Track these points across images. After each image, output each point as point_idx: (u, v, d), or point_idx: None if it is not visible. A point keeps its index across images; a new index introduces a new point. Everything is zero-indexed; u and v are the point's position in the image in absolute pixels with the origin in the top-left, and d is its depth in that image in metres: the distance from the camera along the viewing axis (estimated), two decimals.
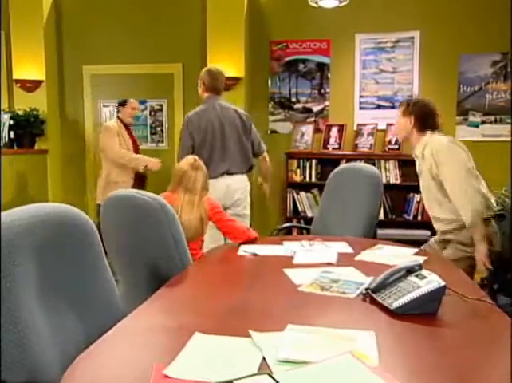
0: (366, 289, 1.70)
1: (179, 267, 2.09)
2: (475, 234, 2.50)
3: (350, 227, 3.05)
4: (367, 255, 2.31)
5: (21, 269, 1.41)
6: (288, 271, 1.99)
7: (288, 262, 2.17)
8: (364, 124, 4.68)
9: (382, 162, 4.52)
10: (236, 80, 4.63)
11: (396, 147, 4.56)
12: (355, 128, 4.72)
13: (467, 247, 2.60)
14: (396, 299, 1.54)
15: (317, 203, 4.64)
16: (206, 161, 3.09)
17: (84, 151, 5.20)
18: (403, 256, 2.31)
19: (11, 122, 4.64)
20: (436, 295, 1.51)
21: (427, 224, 4.51)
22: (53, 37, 5.11)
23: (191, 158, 2.62)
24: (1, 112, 4.68)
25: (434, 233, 4.49)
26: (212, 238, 2.81)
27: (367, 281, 1.83)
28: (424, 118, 2.67)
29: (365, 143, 4.63)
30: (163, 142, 5.11)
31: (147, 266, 2.12)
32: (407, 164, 4.48)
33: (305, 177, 4.65)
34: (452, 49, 4.54)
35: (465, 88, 4.54)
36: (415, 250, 2.44)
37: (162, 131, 5.11)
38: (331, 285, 1.81)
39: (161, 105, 5.07)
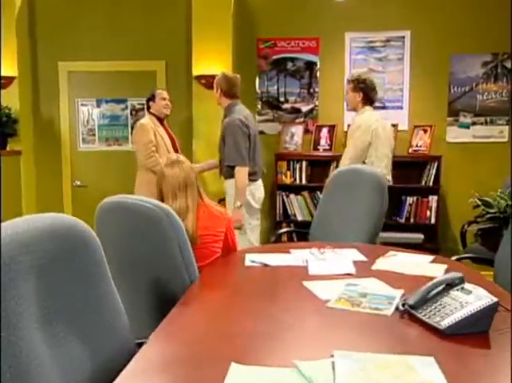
0: (403, 304, 1.55)
1: (186, 281, 1.91)
2: None
3: (354, 232, 2.92)
4: (383, 264, 2.18)
5: (21, 292, 1.21)
6: (308, 284, 1.83)
7: (303, 273, 2.02)
8: None
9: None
10: None
11: None
12: (345, 129, 4.60)
13: None
14: (444, 317, 1.39)
15: (308, 206, 4.50)
16: (255, 164, 3.51)
17: (61, 152, 4.90)
18: (421, 265, 2.19)
19: None
20: (489, 312, 1.37)
21: (419, 227, 4.46)
22: (26, 29, 4.80)
23: (167, 156, 2.39)
24: None
25: (427, 236, 4.44)
26: None
27: (397, 294, 1.70)
28: (369, 94, 3.53)
29: None
30: None
31: (151, 279, 1.92)
32: (399, 166, 4.39)
33: (295, 179, 4.51)
34: (443, 49, 4.48)
35: (456, 88, 4.49)
36: (431, 257, 2.32)
37: None
38: (360, 300, 1.66)
39: (143, 104, 4.82)
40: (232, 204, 3.47)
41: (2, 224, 1.30)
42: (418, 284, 1.85)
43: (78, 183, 4.91)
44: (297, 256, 2.29)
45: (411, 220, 4.43)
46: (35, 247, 1.29)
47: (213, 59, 4.45)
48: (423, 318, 1.44)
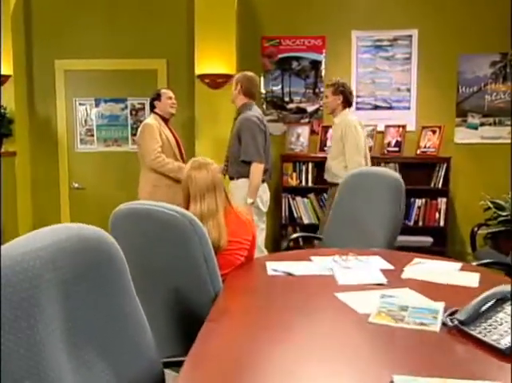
0: (451, 319, 1.44)
1: (210, 293, 1.78)
2: None
3: (371, 238, 2.81)
4: (412, 273, 2.07)
5: (47, 311, 1.09)
6: (341, 296, 1.72)
7: (331, 283, 1.90)
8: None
9: (382, 165, 4.31)
10: (227, 77, 4.31)
11: (396, 149, 4.37)
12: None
13: None
14: (503, 335, 1.29)
15: (314, 209, 4.39)
16: (268, 164, 3.48)
17: (58, 153, 4.73)
18: (452, 273, 2.09)
19: None
20: None
21: (428, 230, 4.37)
22: (21, 26, 4.63)
23: (192, 159, 2.27)
24: None
25: (436, 239, 4.36)
26: None
27: (439, 307, 1.59)
28: (348, 97, 3.67)
29: None
30: None
31: (172, 291, 1.80)
32: (407, 167, 4.31)
33: (301, 181, 4.40)
34: (451, 48, 4.40)
35: (464, 89, 4.41)
36: (459, 265, 2.22)
37: None
38: (401, 314, 1.55)
39: (143, 104, 4.69)
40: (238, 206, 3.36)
41: (25, 236, 1.17)
42: (458, 296, 1.76)
43: (76, 185, 4.75)
44: (319, 264, 2.17)
45: (420, 223, 4.34)
46: (61, 263, 1.16)
47: (216, 58, 4.32)
48: (478, 336, 1.33)
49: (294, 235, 3.13)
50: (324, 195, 4.25)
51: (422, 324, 1.47)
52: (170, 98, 3.71)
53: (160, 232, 1.78)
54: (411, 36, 4.43)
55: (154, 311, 1.85)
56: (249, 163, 3.36)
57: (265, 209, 3.53)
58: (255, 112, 3.49)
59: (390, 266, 2.16)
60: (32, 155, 4.75)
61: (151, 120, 3.67)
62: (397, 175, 2.95)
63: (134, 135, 4.72)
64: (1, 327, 0.97)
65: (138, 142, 3.69)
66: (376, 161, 4.36)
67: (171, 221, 1.74)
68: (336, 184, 3.67)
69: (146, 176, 3.64)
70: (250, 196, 3.32)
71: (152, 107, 3.74)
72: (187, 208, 2.13)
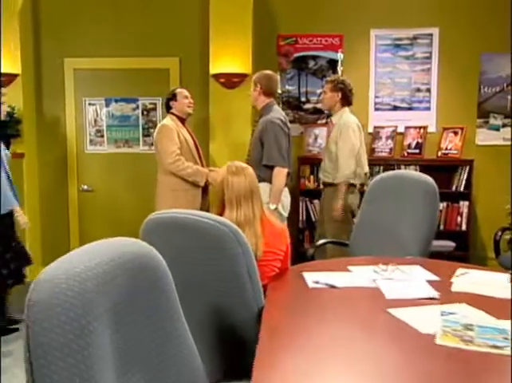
0: None
1: (253, 310, 1.65)
2: (339, 191, 3.49)
3: (403, 245, 2.68)
4: (462, 285, 1.94)
5: (99, 336, 0.96)
6: (395, 312, 1.59)
7: (379, 297, 1.77)
8: (382, 127, 4.34)
9: (402, 167, 4.19)
10: (243, 76, 4.18)
11: (417, 151, 4.24)
12: (370, 131, 4.38)
13: None
14: None
15: None
16: (290, 167, 3.39)
17: (66, 155, 4.59)
18: (504, 285, 1.96)
19: None
20: None
21: (450, 234, 4.25)
22: (29, 24, 4.48)
23: (228, 164, 2.14)
24: None
25: (458, 244, 4.24)
26: None
27: (506, 326, 1.46)
28: (347, 95, 3.56)
29: (384, 147, 4.29)
30: None
31: (211, 308, 1.66)
32: (428, 170, 4.17)
33: (318, 184, 4.26)
34: (473, 47, 4.28)
35: (486, 89, 4.29)
36: (507, 275, 2.09)
37: None
38: (468, 334, 1.42)
39: (155, 104, 4.55)
40: None
41: (76, 253, 1.04)
42: None
43: (85, 187, 4.61)
44: (361, 275, 2.05)
45: (441, 227, 4.21)
46: (110, 285, 1.03)
47: (232, 56, 4.19)
48: None
49: (320, 242, 3.00)
50: None
51: (495, 347, 1.34)
52: (186, 97, 3.58)
53: (198, 243, 1.65)
54: (431, 34, 4.31)
55: (190, 330, 1.72)
56: (271, 168, 3.23)
57: (286, 214, 3.40)
58: (278, 113, 3.38)
59: (435, 277, 2.03)
60: (40, 156, 4.60)
61: (167, 121, 3.53)
62: (430, 179, 2.82)
63: (146, 136, 4.60)
64: (54, 352, 0.88)
65: (155, 144, 3.55)
66: (395, 163, 4.24)
67: (211, 231, 1.61)
68: (330, 184, 3.60)
69: (164, 180, 3.50)
70: (273, 201, 3.20)
71: (168, 107, 3.60)
72: (221, 214, 2.01)
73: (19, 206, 3.43)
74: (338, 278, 1.98)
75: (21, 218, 3.28)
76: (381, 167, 4.21)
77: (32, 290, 0.92)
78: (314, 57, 4.43)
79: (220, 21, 4.16)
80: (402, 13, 4.32)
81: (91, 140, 4.62)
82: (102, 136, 4.61)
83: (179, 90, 3.62)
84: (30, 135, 4.53)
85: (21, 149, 4.44)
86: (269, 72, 3.58)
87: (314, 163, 4.26)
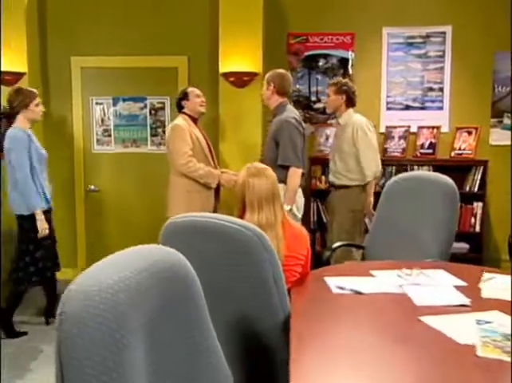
0: None
1: (278, 318, 1.58)
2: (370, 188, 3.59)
3: (422, 248, 2.62)
4: (492, 291, 1.88)
5: (133, 351, 0.90)
6: (429, 321, 1.52)
7: (408, 303, 1.71)
8: (394, 127, 4.27)
9: (415, 168, 4.12)
10: (253, 75, 4.11)
11: (430, 151, 4.17)
12: (382, 131, 4.31)
13: None
14: None
15: None
16: (305, 168, 3.36)
17: (73, 155, 4.52)
18: None
19: None
20: None
21: (464, 236, 4.17)
22: (35, 22, 4.41)
23: (247, 165, 2.08)
24: None
25: (472, 246, 4.17)
26: None
27: None
28: (351, 96, 3.58)
29: (396, 147, 4.23)
30: (164, 145, 4.51)
31: (235, 316, 1.60)
32: (441, 170, 4.10)
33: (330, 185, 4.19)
34: (486, 46, 4.21)
35: (500, 88, 4.22)
36: None
37: (164, 132, 4.49)
38: (508, 344, 1.35)
39: (163, 103, 4.48)
40: None
41: (99, 267, 0.97)
42: None
43: (92, 187, 4.54)
44: (385, 280, 1.98)
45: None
46: (143, 297, 0.97)
47: (242, 55, 4.11)
48: None
49: (337, 244, 2.93)
50: None
51: None
52: (198, 96, 3.52)
53: (222, 248, 1.58)
54: (444, 32, 4.24)
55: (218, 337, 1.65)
56: (286, 168, 3.17)
57: (300, 215, 3.35)
58: (292, 112, 3.34)
59: (462, 283, 1.97)
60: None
61: (180, 120, 3.46)
62: (450, 179, 2.76)
63: (154, 135, 4.54)
64: (88, 370, 0.83)
65: (167, 145, 3.48)
66: (408, 164, 4.18)
67: (235, 236, 1.54)
68: (342, 186, 3.55)
69: (177, 182, 3.42)
70: (288, 202, 3.14)
71: (180, 107, 3.53)
72: (241, 217, 1.95)
73: (51, 207, 3.40)
74: (363, 284, 1.91)
75: (40, 223, 3.21)
76: (394, 168, 4.15)
77: (63, 302, 0.86)
78: (325, 56, 4.36)
79: (230, 19, 4.09)
80: (414, 11, 4.25)
81: (98, 140, 4.56)
82: (109, 136, 4.54)
83: (190, 89, 3.55)
84: (36, 134, 4.41)
85: None
86: (282, 71, 3.54)
87: (326, 163, 4.17)
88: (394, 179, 2.97)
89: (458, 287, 1.89)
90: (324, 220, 4.22)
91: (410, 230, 2.75)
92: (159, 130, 4.51)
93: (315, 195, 4.24)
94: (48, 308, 3.48)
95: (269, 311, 1.56)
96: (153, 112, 4.50)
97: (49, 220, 3.30)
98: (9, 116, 3.30)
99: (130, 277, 0.94)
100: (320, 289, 1.87)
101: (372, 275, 2.07)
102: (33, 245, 3.25)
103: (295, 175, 3.19)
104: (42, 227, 3.20)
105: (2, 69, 4.21)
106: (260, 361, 1.62)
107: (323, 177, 4.20)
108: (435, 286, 1.91)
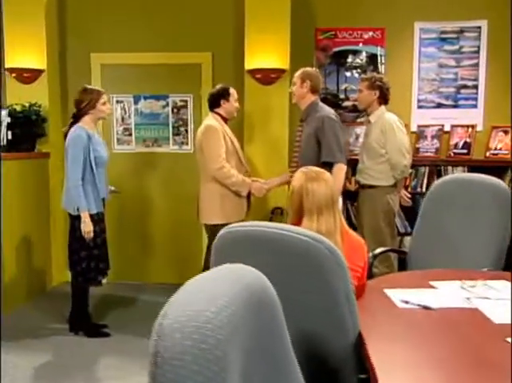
0: None
1: (348, 338, 1.43)
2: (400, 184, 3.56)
3: (473, 257, 2.46)
4: None
5: None
6: None
7: (486, 322, 1.56)
8: (426, 126, 4.11)
9: (449, 168, 3.96)
10: (280, 72, 3.97)
11: (465, 151, 4.01)
12: (414, 130, 4.15)
13: None
14: None
15: None
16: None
17: None
18: None
19: (8, 120, 3.81)
20: None
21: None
22: (54, 17, 4.28)
23: (302, 170, 1.93)
24: None
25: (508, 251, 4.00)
26: None
27: None
28: (385, 93, 3.43)
29: (429, 147, 4.06)
30: (187, 144, 4.37)
31: (300, 335, 1.45)
32: (474, 171, 3.93)
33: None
34: None
35: None
36: None
37: (186, 131, 4.37)
38: None
39: (186, 101, 4.34)
40: None
41: (188, 294, 0.83)
42: None
43: (112, 188, 4.37)
44: (448, 293, 1.84)
45: None
46: (240, 330, 0.83)
47: (269, 51, 3.97)
48: None
49: (379, 250, 2.78)
50: None
51: None
52: (236, 101, 3.38)
53: (287, 262, 1.43)
54: (479, 27, 4.07)
55: None
56: (329, 165, 3.02)
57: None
58: (330, 110, 3.23)
59: None
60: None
61: (212, 121, 3.28)
62: (501, 182, 2.60)
63: (176, 135, 4.39)
64: None
65: (201, 146, 3.27)
66: (442, 164, 4.02)
67: (302, 248, 1.40)
68: (371, 187, 3.41)
69: (210, 185, 3.26)
70: None
71: (214, 105, 3.34)
72: (296, 225, 1.80)
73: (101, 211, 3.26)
74: (427, 297, 1.76)
75: (84, 226, 3.08)
76: (427, 168, 3.98)
77: (157, 340, 0.72)
78: (354, 52, 4.20)
79: (256, 14, 3.94)
80: (448, 5, 4.08)
81: (118, 139, 4.42)
82: (130, 135, 4.41)
83: (232, 90, 3.37)
84: (56, 134, 4.32)
85: (47, 149, 4.25)
86: (314, 69, 3.47)
87: (355, 163, 4.02)
88: (438, 181, 2.82)
89: None
90: (354, 222, 4.06)
91: (458, 237, 2.59)
92: (182, 129, 4.36)
93: (344, 196, 4.08)
94: (71, 314, 3.35)
95: (340, 331, 1.42)
96: (175, 110, 4.36)
97: (97, 224, 3.16)
98: (77, 117, 3.20)
99: (226, 307, 0.79)
100: (384, 303, 1.73)
101: (432, 287, 1.93)
102: (78, 244, 3.15)
103: (341, 171, 3.09)
104: (86, 229, 3.08)
105: (21, 67, 4.10)
106: (329, 381, 1.48)
107: (353, 178, 4.04)
108: (506, 299, 1.76)
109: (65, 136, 3.20)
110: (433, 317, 1.61)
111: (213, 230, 3.35)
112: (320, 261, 1.38)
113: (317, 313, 1.42)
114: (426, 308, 1.66)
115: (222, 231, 1.55)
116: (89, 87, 3.31)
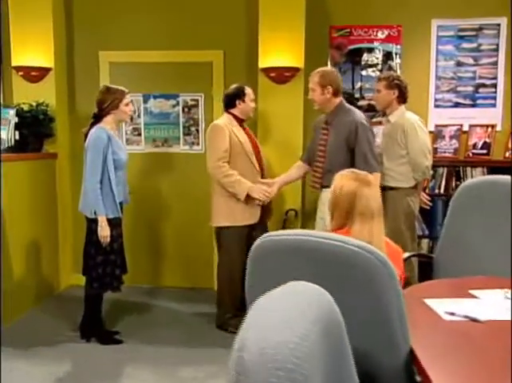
0: None
1: (399, 357, 1.33)
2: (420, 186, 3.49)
3: (504, 262, 2.36)
4: None
5: None
6: None
7: None
8: (445, 125, 4.02)
9: (468, 169, 3.86)
10: (294, 71, 3.86)
11: (484, 151, 3.91)
12: (431, 129, 4.05)
13: None
14: None
15: None
16: None
17: None
18: None
19: (16, 119, 3.70)
20: None
21: None
22: (62, 14, 4.18)
23: (350, 172, 1.84)
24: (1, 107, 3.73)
25: None
26: None
27: None
28: (403, 91, 3.36)
29: (447, 147, 3.97)
30: (198, 144, 4.27)
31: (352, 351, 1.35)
32: (493, 172, 3.84)
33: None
34: None
35: None
36: None
37: (197, 131, 4.26)
38: None
39: (197, 101, 4.23)
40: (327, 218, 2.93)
41: (265, 320, 0.73)
42: None
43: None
44: (492, 302, 1.74)
45: None
46: (317, 358, 0.72)
47: (283, 49, 3.86)
48: None
49: (406, 255, 2.68)
50: None
51: None
52: (252, 101, 3.27)
53: (333, 274, 1.33)
54: (499, 24, 3.97)
55: None
56: None
57: None
58: (359, 113, 3.17)
59: None
60: (72, 156, 4.30)
61: (220, 120, 3.22)
62: None
63: (186, 135, 4.29)
64: None
65: (206, 146, 3.23)
66: (461, 165, 3.92)
67: (352, 258, 1.29)
68: (392, 188, 3.32)
69: (216, 187, 3.19)
70: None
71: (230, 105, 3.25)
72: (337, 230, 1.72)
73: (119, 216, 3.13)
74: (472, 308, 1.66)
75: (100, 230, 2.98)
76: (445, 169, 3.89)
77: (238, 377, 0.62)
78: (370, 50, 4.10)
79: (270, 11, 3.83)
80: (466, 2, 3.98)
81: (127, 139, 4.32)
82: (139, 135, 4.31)
83: (248, 90, 3.28)
84: (63, 134, 4.23)
85: (54, 149, 4.15)
86: (329, 68, 3.43)
87: None
88: (465, 184, 2.71)
89: None
90: None
91: (487, 243, 2.49)
92: (193, 129, 4.26)
93: None
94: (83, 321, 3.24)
95: (391, 347, 1.32)
96: (186, 109, 4.25)
97: (114, 228, 3.05)
98: (98, 117, 3.08)
99: (306, 336, 0.69)
100: (428, 315, 1.63)
101: (473, 296, 1.83)
102: (94, 248, 3.05)
103: (378, 180, 2.99)
104: (103, 234, 2.97)
105: (28, 65, 3.99)
106: None
107: None
108: None
109: (86, 136, 3.08)
110: (483, 330, 1.51)
111: (219, 232, 3.25)
112: (371, 273, 1.28)
113: (366, 329, 1.32)
114: (474, 320, 1.57)
115: (259, 240, 1.45)
116: (112, 86, 3.18)
